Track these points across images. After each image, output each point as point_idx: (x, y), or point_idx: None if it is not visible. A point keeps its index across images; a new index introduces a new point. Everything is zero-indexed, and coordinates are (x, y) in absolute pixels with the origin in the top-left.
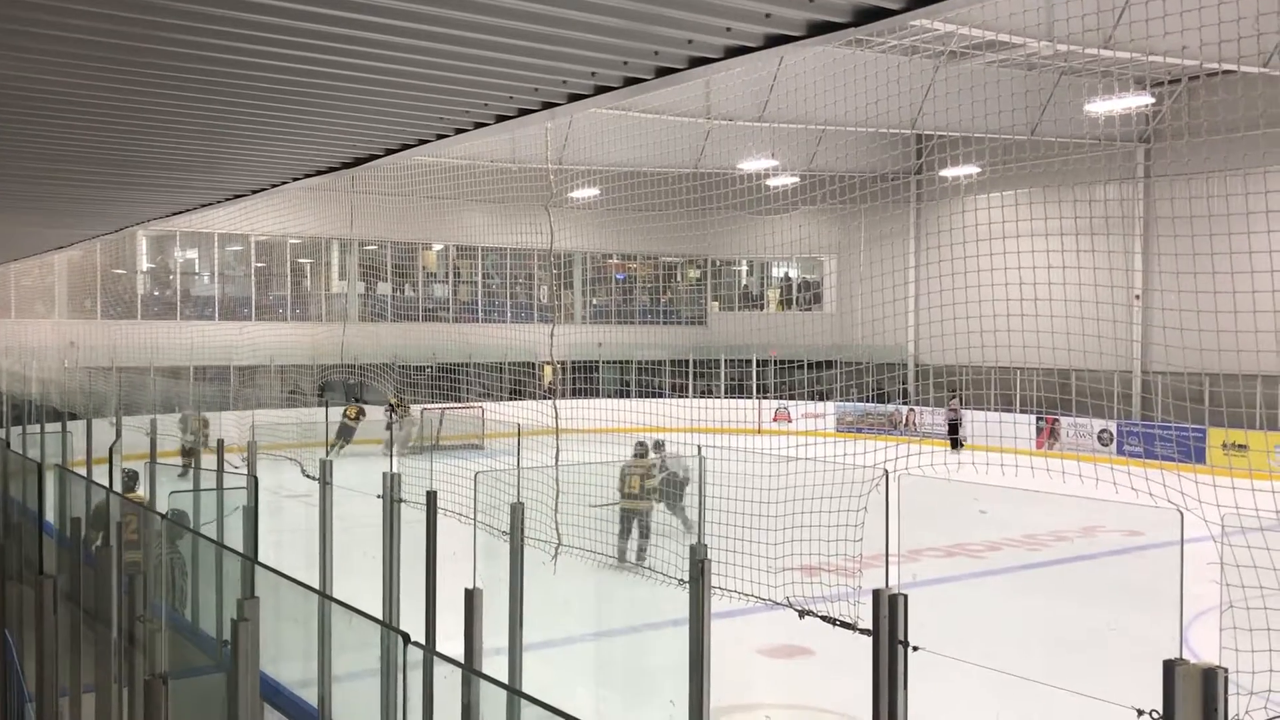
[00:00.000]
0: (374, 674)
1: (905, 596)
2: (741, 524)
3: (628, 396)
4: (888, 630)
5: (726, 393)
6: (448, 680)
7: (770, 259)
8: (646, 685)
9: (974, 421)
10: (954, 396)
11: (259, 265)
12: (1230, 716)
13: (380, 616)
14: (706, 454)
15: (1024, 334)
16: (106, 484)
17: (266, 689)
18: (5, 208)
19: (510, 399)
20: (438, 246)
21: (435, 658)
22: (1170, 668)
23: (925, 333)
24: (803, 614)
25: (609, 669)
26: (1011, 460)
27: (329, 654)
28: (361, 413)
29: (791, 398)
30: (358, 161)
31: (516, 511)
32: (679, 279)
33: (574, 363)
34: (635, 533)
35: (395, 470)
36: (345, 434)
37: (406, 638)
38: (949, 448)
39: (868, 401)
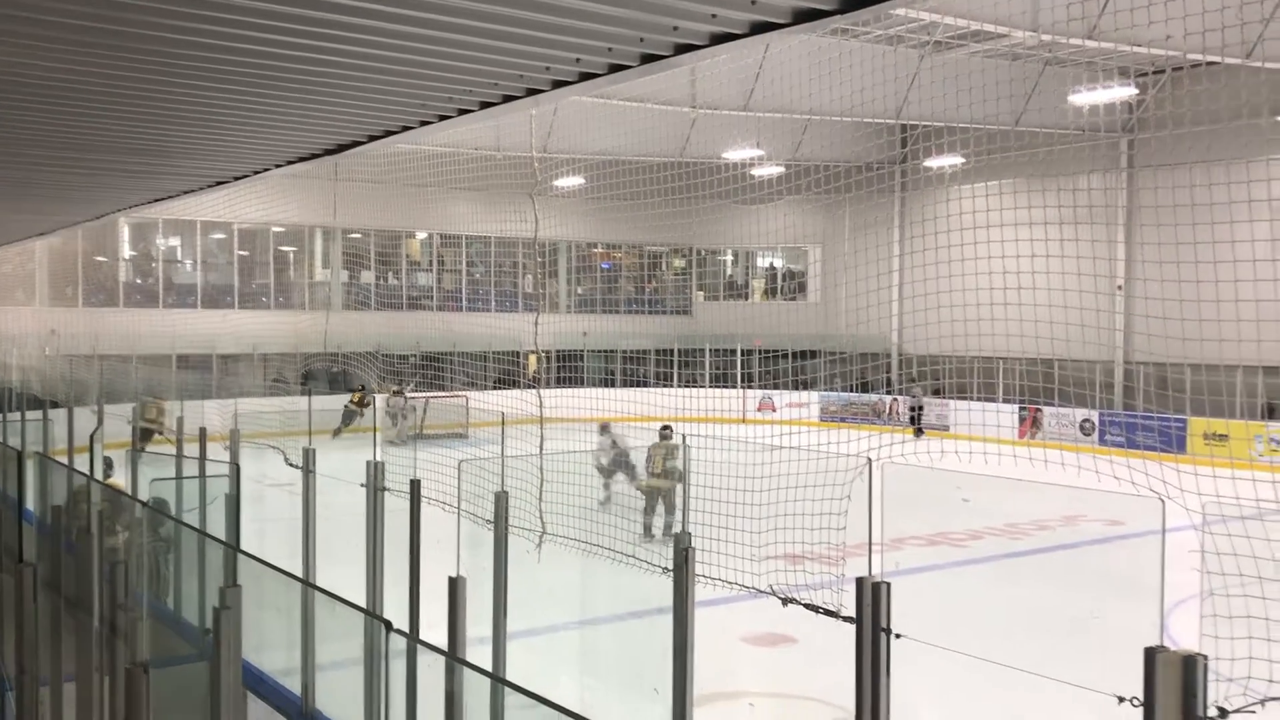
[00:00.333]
0: (357, 663)
1: (888, 584)
2: (726, 513)
3: (612, 386)
4: (871, 618)
5: (711, 382)
6: (431, 669)
7: (755, 249)
8: (631, 673)
9: (957, 410)
10: (916, 384)
11: (242, 253)
12: (1210, 703)
13: (364, 605)
14: (691, 443)
15: (1007, 323)
16: (87, 472)
17: (249, 678)
18: None
19: (495, 388)
20: (422, 235)
21: (419, 646)
22: (1151, 655)
23: (909, 321)
24: (786, 602)
25: (593, 657)
26: (995, 449)
27: (312, 642)
28: (366, 398)
29: (776, 387)
30: (341, 148)
31: (501, 500)
32: (664, 268)
33: (559, 352)
34: (661, 509)
35: (379, 459)
36: (348, 418)
37: (389, 626)
38: (912, 435)
39: (851, 391)
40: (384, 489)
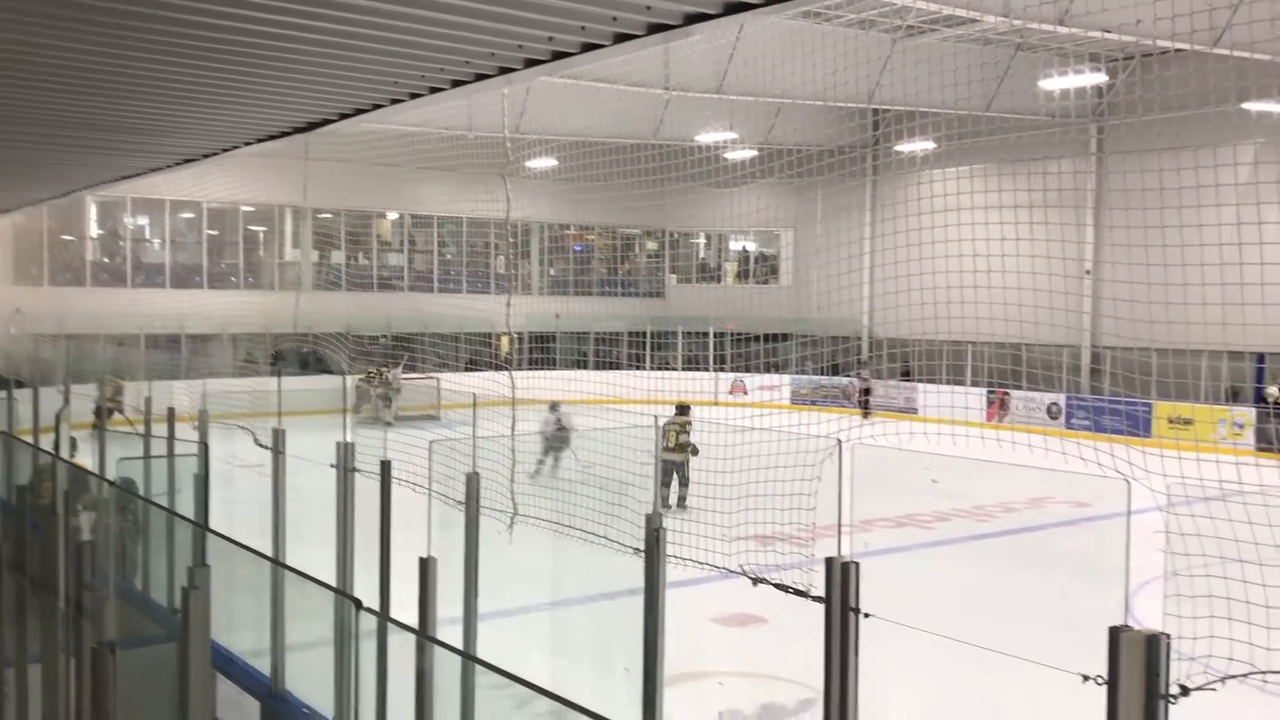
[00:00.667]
0: (327, 643)
1: (857, 565)
2: (697, 493)
3: (585, 368)
4: (840, 598)
5: (683, 364)
6: (402, 648)
7: (728, 231)
8: (601, 653)
9: (926, 393)
10: (864, 366)
11: (211, 232)
12: (1172, 681)
13: (334, 586)
14: (662, 424)
15: (977, 305)
16: (52, 451)
17: (218, 658)
18: None
19: (467, 369)
20: (392, 215)
21: (389, 625)
22: (1115, 634)
23: (880, 305)
24: (757, 582)
25: (564, 637)
26: (963, 432)
27: (282, 623)
28: (373, 378)
29: (747, 370)
30: (312, 126)
31: (472, 481)
32: (637, 250)
33: (531, 333)
34: (675, 482)
35: (349, 439)
36: (364, 398)
37: (359, 605)
38: (861, 416)
39: (822, 374)
40: (354, 470)
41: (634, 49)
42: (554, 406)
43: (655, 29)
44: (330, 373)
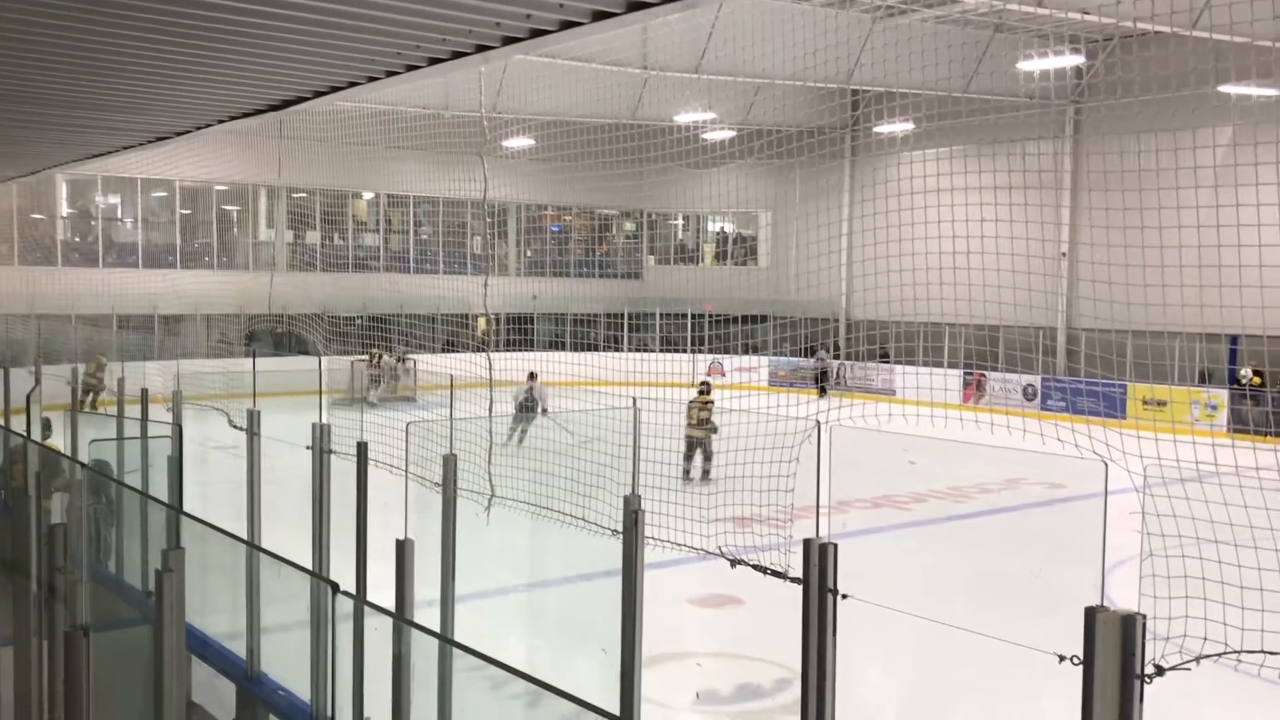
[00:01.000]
0: (304, 625)
1: (835, 546)
2: (675, 475)
3: (562, 349)
4: (818, 579)
5: (661, 346)
6: (379, 631)
7: (706, 212)
8: (579, 635)
9: (905, 374)
10: (823, 347)
11: (184, 212)
12: (1147, 661)
13: (310, 568)
14: (641, 405)
15: (956, 287)
16: (24, 433)
17: (194, 641)
18: None
19: (444, 351)
20: (368, 195)
21: (366, 608)
22: (1091, 614)
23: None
24: (734, 563)
25: (542, 619)
26: (940, 413)
27: (257, 605)
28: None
29: (725, 351)
30: (286, 104)
31: (449, 463)
32: (614, 232)
33: (508, 315)
34: (699, 457)
35: (325, 421)
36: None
37: (336, 587)
38: (818, 395)
39: (801, 356)
40: (330, 451)
41: (613, 27)
42: (532, 376)
43: (634, 6)
44: (308, 354)
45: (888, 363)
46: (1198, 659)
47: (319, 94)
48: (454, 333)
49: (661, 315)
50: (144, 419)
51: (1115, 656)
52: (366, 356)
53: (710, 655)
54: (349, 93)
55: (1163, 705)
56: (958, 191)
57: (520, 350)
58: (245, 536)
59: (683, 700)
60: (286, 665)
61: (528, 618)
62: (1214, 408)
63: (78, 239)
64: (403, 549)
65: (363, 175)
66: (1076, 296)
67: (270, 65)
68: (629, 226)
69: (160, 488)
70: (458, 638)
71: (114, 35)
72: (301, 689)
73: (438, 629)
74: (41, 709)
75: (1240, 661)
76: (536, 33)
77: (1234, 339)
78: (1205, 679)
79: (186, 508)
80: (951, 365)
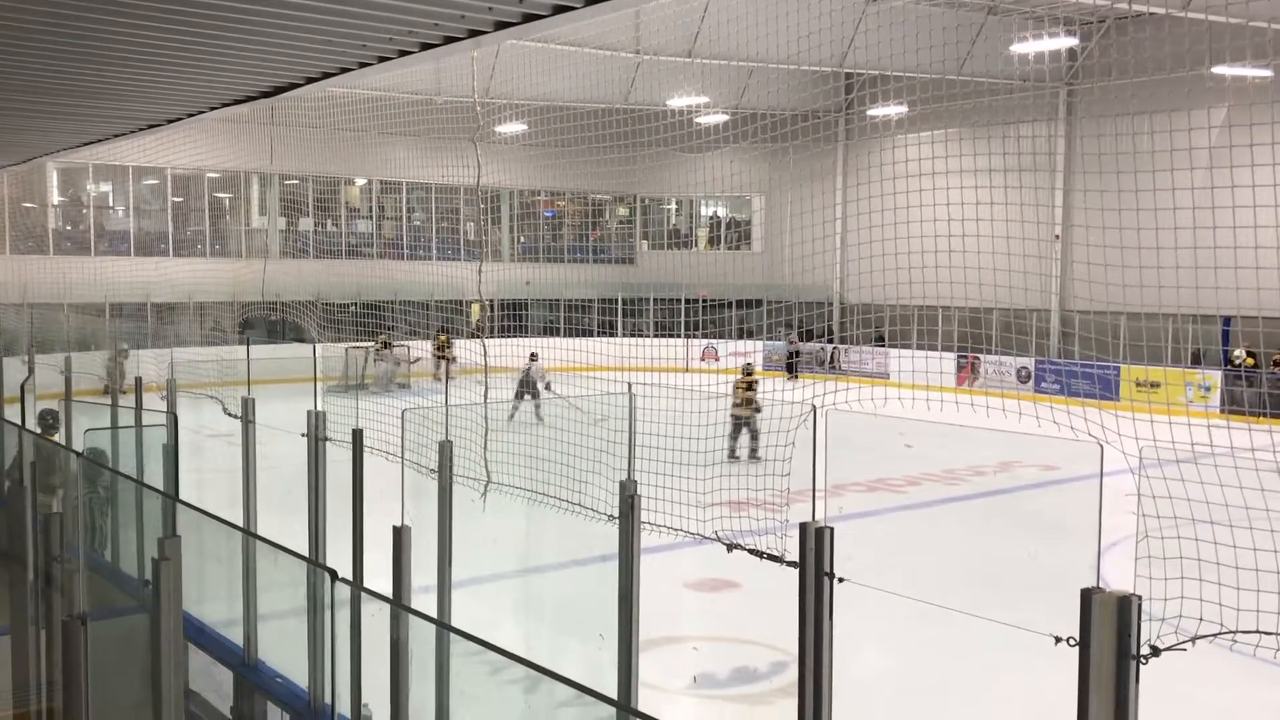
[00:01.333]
0: (301, 612)
1: (831, 529)
2: (670, 460)
3: (556, 335)
4: (814, 562)
5: (655, 331)
6: (376, 617)
7: (699, 197)
8: (576, 620)
9: (900, 358)
10: (793, 331)
11: (176, 200)
12: (1143, 641)
13: (307, 556)
14: (636, 391)
15: (950, 270)
16: (19, 422)
17: (191, 629)
18: None
19: (438, 337)
20: (361, 181)
21: (363, 594)
22: (1087, 596)
23: (852, 270)
24: (731, 548)
25: (538, 604)
26: (936, 396)
27: (254, 593)
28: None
29: (719, 336)
30: (278, 90)
31: (445, 449)
32: (608, 217)
33: (502, 301)
34: (745, 436)
35: (320, 408)
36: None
37: (334, 574)
38: (787, 378)
39: (798, 340)
40: (325, 439)
41: (607, 10)
42: (534, 356)
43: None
44: (304, 341)
45: (882, 346)
46: (1193, 639)
47: (310, 80)
48: (449, 319)
49: (655, 300)
50: (138, 407)
51: (1111, 637)
52: (376, 344)
53: (707, 639)
54: (341, 78)
55: (1158, 685)
56: (951, 174)
57: (515, 337)
58: (241, 524)
59: (680, 684)
60: (284, 652)
61: (525, 603)
62: (1207, 389)
63: (69, 227)
64: (399, 535)
65: (355, 161)
66: (1070, 278)
67: (261, 51)
68: (622, 211)
69: (156, 476)
70: (455, 623)
71: (104, 22)
72: (299, 676)
73: (435, 615)
74: (40, 698)
75: (1235, 642)
76: (529, 17)
77: (1227, 320)
78: (1201, 659)
79: (182, 496)
80: (946, 348)
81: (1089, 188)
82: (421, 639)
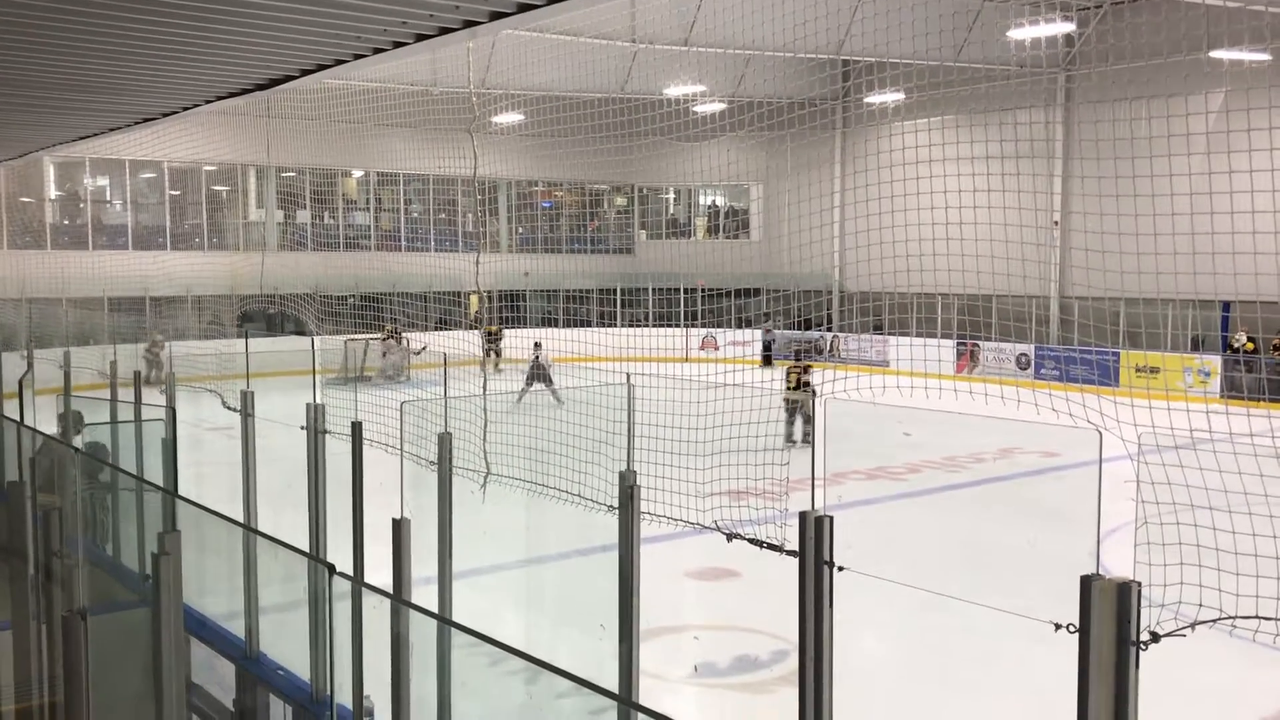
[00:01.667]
0: (301, 605)
1: (831, 518)
2: (670, 450)
3: (555, 325)
4: (814, 551)
5: (654, 321)
6: (376, 610)
7: (697, 186)
8: (576, 611)
9: (898, 346)
10: (768, 319)
11: (173, 193)
12: (1142, 628)
13: (306, 549)
14: (635, 381)
15: (949, 258)
16: (17, 418)
17: (192, 622)
18: None
19: (436, 329)
20: (358, 173)
21: (364, 589)
22: (1086, 583)
23: (850, 258)
24: (730, 537)
25: (539, 595)
26: (935, 384)
27: (255, 587)
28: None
29: (718, 325)
30: (274, 83)
31: (444, 441)
32: (605, 207)
33: (500, 292)
34: (799, 420)
35: (319, 401)
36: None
37: (332, 569)
38: (761, 365)
39: (794, 329)
40: (325, 432)
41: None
42: (538, 345)
43: None
44: (302, 333)
45: (881, 334)
46: (1193, 625)
47: (306, 72)
48: (447, 311)
49: (654, 290)
50: (137, 402)
51: (1111, 624)
52: (381, 334)
53: (708, 628)
54: (335, 70)
55: (1158, 671)
56: (949, 161)
57: (513, 328)
58: (241, 518)
59: (681, 673)
60: (285, 645)
61: (525, 594)
62: (1207, 374)
63: (67, 222)
64: (399, 528)
65: (352, 154)
66: (1069, 265)
67: (257, 44)
68: (620, 201)
69: (155, 470)
70: (455, 615)
71: (98, 17)
72: (301, 668)
73: (435, 607)
74: (41, 692)
75: (1235, 627)
76: (524, 6)
77: (1226, 305)
78: (1200, 645)
79: (182, 490)
80: (945, 335)
81: (1087, 174)
82: (422, 631)
